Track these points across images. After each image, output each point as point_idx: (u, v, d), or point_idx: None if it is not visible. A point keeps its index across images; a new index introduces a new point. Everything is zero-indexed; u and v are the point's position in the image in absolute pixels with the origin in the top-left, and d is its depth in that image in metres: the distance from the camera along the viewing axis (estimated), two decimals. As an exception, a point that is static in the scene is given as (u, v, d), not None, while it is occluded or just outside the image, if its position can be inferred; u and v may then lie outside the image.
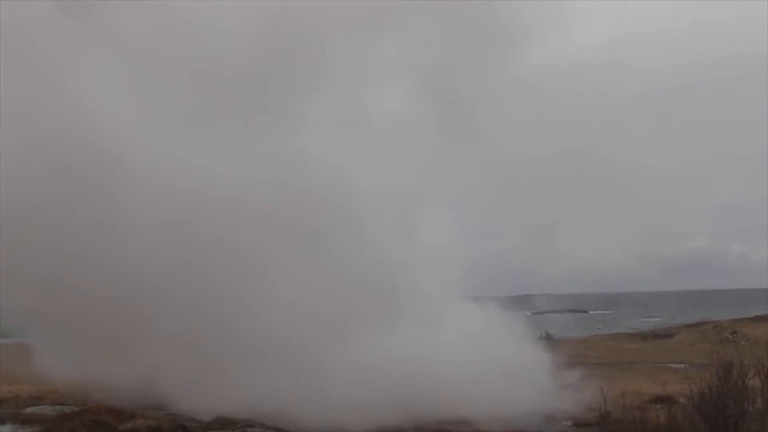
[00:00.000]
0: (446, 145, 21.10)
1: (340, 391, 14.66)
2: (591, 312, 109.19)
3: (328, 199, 16.65)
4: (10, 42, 15.14)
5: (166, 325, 15.41)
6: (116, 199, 15.36)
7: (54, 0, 16.09)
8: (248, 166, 16.22)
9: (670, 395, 15.93)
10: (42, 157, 15.10)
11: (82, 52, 16.22)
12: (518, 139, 24.78)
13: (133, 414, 14.58)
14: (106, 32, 16.38)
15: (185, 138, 16.10)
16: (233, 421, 14.70)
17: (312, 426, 14.20)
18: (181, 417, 15.31)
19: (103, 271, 15.08)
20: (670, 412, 12.83)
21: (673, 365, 24.92)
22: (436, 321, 17.74)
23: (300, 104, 17.52)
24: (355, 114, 18.55)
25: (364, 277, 16.74)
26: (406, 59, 19.60)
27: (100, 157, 15.35)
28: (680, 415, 12.52)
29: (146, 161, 15.63)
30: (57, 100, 15.58)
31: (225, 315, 15.51)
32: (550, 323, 73.61)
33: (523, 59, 21.72)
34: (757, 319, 38.47)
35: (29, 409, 15.81)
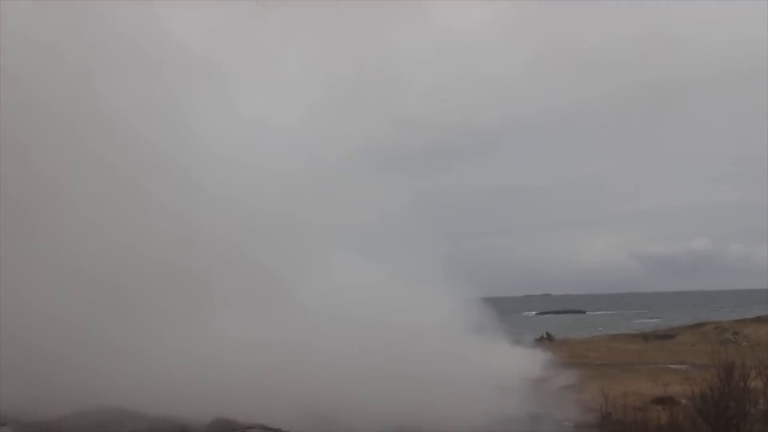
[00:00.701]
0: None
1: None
2: (592, 313, 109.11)
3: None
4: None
5: None
6: None
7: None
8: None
9: (672, 396, 15.91)
10: None
11: None
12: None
13: (132, 416, 14.53)
14: None
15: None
16: (233, 424, 14.62)
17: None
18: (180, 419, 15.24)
19: None
20: (672, 413, 12.82)
21: (674, 366, 24.86)
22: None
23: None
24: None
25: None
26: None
27: None
28: (681, 416, 12.52)
29: None
30: None
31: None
32: (551, 324, 73.70)
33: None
34: (759, 319, 38.38)
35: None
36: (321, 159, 19.55)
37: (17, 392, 13.18)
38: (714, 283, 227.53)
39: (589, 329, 59.31)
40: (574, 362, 27.81)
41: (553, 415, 15.72)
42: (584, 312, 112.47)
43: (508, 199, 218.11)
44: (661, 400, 15.85)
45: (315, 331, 15.93)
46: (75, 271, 15.05)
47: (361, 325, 16.25)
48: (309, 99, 22.03)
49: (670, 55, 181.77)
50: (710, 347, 22.69)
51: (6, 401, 12.97)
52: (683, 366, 24.10)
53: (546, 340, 40.18)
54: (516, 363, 23.03)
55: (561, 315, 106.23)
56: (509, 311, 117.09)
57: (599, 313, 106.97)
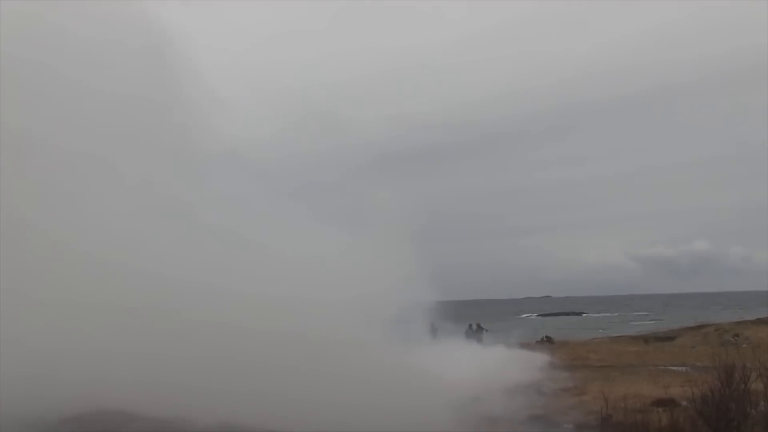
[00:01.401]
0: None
1: None
2: (592, 315, 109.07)
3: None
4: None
5: None
6: None
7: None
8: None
9: (672, 398, 15.88)
10: None
11: None
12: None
13: (135, 417, 14.53)
14: None
15: None
16: (238, 427, 14.59)
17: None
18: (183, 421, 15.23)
19: None
20: (672, 416, 12.80)
21: (674, 368, 24.83)
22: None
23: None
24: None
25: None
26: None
27: None
28: (682, 418, 12.50)
29: None
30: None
31: None
32: (551, 326, 73.69)
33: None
34: (759, 321, 38.34)
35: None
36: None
37: (17, 394, 13.18)
38: (714, 284, 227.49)
39: (589, 331, 59.30)
40: (574, 364, 27.83)
41: (553, 418, 15.72)
42: (585, 314, 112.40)
43: (509, 200, 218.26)
44: (661, 402, 15.81)
45: None
46: (75, 272, 15.08)
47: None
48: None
49: (671, 56, 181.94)
50: (711, 349, 22.68)
51: (6, 403, 12.96)
52: (684, 368, 24.06)
53: (546, 342, 40.21)
54: (511, 365, 23.11)
55: (561, 317, 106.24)
56: (509, 313, 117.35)
57: (599, 315, 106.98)
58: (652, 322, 73.31)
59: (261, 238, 17.23)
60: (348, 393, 14.81)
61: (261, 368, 14.85)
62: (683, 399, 14.77)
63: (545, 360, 27.97)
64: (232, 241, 16.72)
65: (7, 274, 14.18)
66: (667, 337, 38.21)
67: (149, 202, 16.25)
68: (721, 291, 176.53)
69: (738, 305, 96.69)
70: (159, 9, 17.38)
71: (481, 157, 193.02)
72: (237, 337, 15.09)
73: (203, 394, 14.32)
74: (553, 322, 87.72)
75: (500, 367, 23.38)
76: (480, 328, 39.12)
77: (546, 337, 44.03)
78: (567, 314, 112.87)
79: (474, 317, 53.54)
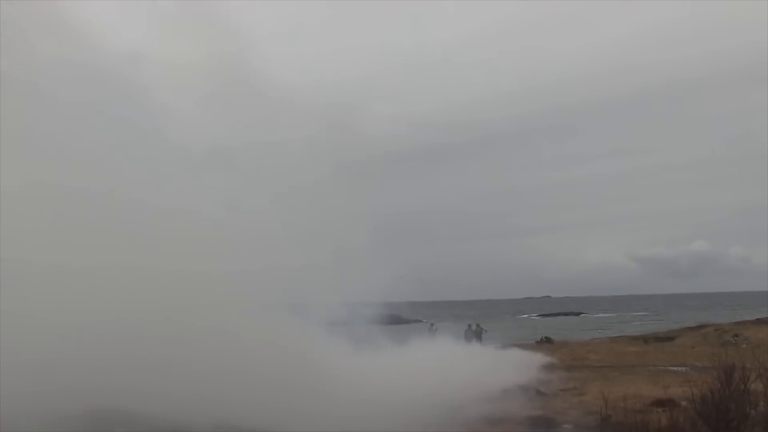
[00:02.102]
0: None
1: None
2: (592, 315, 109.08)
3: None
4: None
5: None
6: None
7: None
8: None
9: (672, 398, 15.87)
10: None
11: None
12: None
13: (132, 418, 14.51)
14: None
15: None
16: (235, 428, 14.56)
17: None
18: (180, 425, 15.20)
19: None
20: (672, 416, 12.77)
21: (674, 368, 24.82)
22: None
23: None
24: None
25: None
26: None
27: None
28: (682, 418, 12.46)
29: None
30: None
31: None
32: (551, 326, 73.71)
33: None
34: (759, 321, 38.37)
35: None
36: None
37: (16, 394, 13.17)
38: (714, 285, 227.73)
39: (589, 331, 59.31)
40: (573, 364, 27.83)
41: (553, 418, 15.71)
42: (584, 314, 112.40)
43: (508, 200, 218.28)
44: (661, 403, 15.79)
45: None
46: (76, 273, 15.08)
47: None
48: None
49: (672, 55, 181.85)
50: (710, 349, 22.65)
51: (5, 403, 12.94)
52: (683, 368, 24.05)
53: (545, 343, 40.23)
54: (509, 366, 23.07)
55: (561, 317, 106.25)
56: (509, 313, 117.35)
57: (599, 315, 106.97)
58: (652, 322, 73.34)
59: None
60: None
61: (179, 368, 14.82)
62: (683, 399, 14.75)
63: (545, 360, 27.97)
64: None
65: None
66: (667, 338, 38.21)
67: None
68: (720, 291, 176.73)
69: (738, 305, 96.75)
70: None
71: (481, 157, 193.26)
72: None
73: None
74: (553, 323, 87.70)
75: (499, 367, 23.39)
76: (479, 329, 39.10)
77: (545, 337, 44.05)
78: (567, 314, 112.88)
79: (473, 317, 53.63)
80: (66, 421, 13.34)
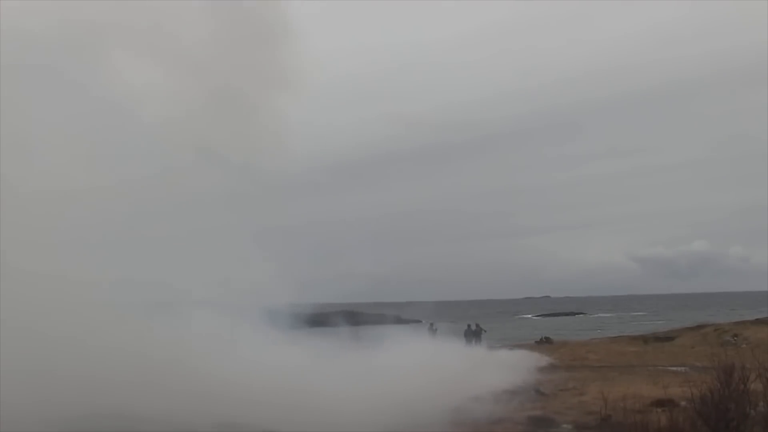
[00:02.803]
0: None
1: None
2: (592, 315, 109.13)
3: None
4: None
5: None
6: None
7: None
8: None
9: (671, 398, 15.86)
10: None
11: None
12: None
13: (133, 419, 14.51)
14: None
15: None
16: (237, 427, 14.55)
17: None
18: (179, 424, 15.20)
19: None
20: (671, 416, 12.76)
21: (674, 368, 24.84)
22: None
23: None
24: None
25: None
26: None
27: None
28: (681, 418, 12.46)
29: None
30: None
31: None
32: (551, 326, 73.77)
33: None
34: (758, 321, 38.35)
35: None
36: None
37: (16, 396, 13.14)
38: (714, 285, 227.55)
39: (588, 331, 59.36)
40: (573, 364, 27.86)
41: (553, 418, 15.71)
42: (584, 314, 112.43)
43: (508, 200, 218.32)
44: (660, 403, 15.78)
45: None
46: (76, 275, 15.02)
47: None
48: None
49: (672, 54, 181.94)
50: (710, 349, 22.66)
51: (6, 404, 12.92)
52: (683, 368, 24.06)
53: (545, 343, 40.25)
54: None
55: (560, 317, 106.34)
56: (509, 313, 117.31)
57: (599, 315, 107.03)
58: (652, 322, 73.36)
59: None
60: None
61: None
62: (682, 399, 14.76)
63: (544, 360, 28.00)
64: None
65: None
66: (667, 338, 38.22)
67: None
68: (720, 291, 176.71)
69: (737, 305, 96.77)
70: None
71: (480, 157, 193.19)
72: None
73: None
74: (553, 323, 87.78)
75: (499, 367, 23.40)
76: (479, 328, 39.11)
77: (545, 337, 44.06)
78: (566, 314, 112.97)
79: (473, 317, 53.61)
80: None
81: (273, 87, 19.70)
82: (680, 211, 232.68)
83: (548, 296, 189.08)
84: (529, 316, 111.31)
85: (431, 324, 39.54)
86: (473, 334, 38.52)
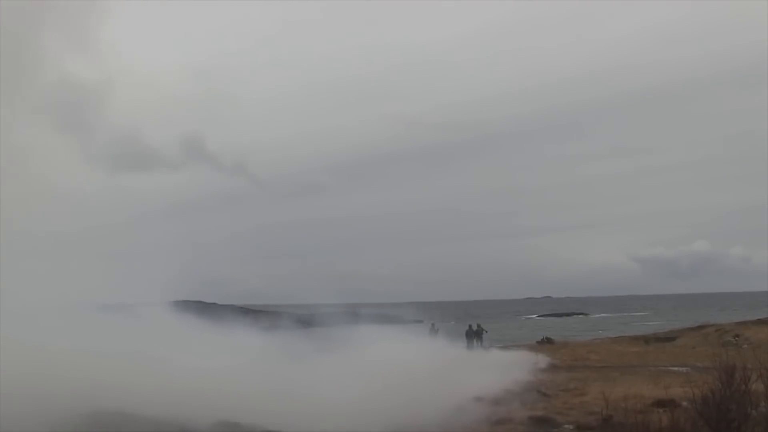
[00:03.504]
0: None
1: None
2: (593, 315, 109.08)
3: None
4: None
5: None
6: None
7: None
8: None
9: (673, 399, 15.85)
10: None
11: None
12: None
13: (132, 418, 14.50)
14: None
15: None
16: (235, 426, 14.55)
17: None
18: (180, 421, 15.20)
19: None
20: (673, 416, 12.76)
21: (675, 368, 24.82)
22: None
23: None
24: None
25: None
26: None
27: None
28: (683, 419, 12.45)
29: None
30: None
31: None
32: (552, 326, 73.73)
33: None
34: (760, 322, 38.35)
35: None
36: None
37: (16, 396, 13.14)
38: (715, 285, 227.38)
39: (589, 332, 59.33)
40: (574, 365, 27.84)
41: (554, 418, 15.71)
42: (585, 314, 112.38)
43: (509, 201, 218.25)
44: (662, 403, 15.77)
45: None
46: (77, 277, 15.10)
47: None
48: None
49: (672, 54, 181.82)
50: (711, 350, 22.65)
51: (6, 404, 12.92)
52: (684, 368, 24.05)
53: (546, 343, 40.22)
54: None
55: (562, 317, 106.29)
56: (510, 313, 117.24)
57: (600, 315, 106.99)
58: (653, 322, 73.30)
59: None
60: None
61: None
62: (684, 400, 14.73)
63: (545, 361, 27.98)
64: None
65: None
66: (668, 338, 38.21)
67: None
68: (721, 291, 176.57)
69: (738, 306, 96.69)
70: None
71: (481, 157, 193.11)
72: None
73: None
74: (554, 323, 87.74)
75: (500, 367, 23.39)
76: (480, 329, 39.11)
77: (546, 337, 44.01)
78: (567, 315, 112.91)
79: (474, 317, 53.64)
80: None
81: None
82: (681, 212, 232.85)
83: (549, 296, 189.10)
84: (530, 316, 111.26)
85: (432, 324, 39.58)
86: (474, 335, 38.53)
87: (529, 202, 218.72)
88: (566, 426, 15.15)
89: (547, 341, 41.38)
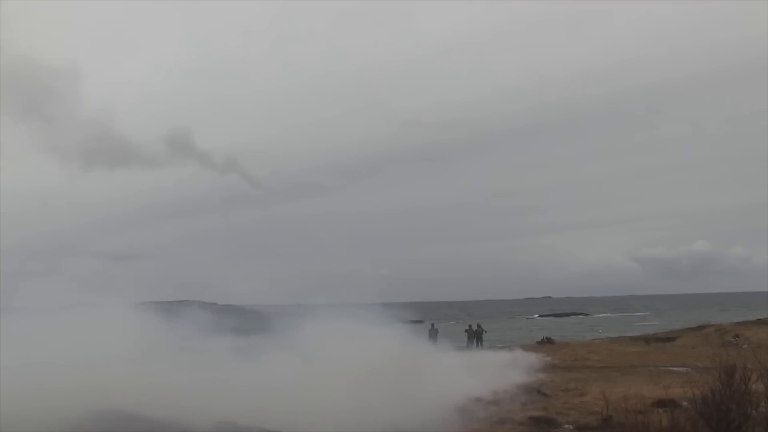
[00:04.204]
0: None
1: None
2: (593, 315, 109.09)
3: None
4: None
5: None
6: None
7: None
8: None
9: (673, 399, 15.84)
10: None
11: None
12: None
13: (133, 419, 14.51)
14: None
15: None
16: (235, 427, 14.56)
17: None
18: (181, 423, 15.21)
19: None
20: (673, 416, 12.76)
21: (675, 369, 24.83)
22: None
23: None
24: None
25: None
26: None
27: None
28: (683, 419, 12.45)
29: None
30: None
31: None
32: (552, 326, 73.75)
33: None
34: (760, 322, 38.35)
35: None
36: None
37: (17, 396, 13.15)
38: (715, 285, 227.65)
39: (589, 332, 59.34)
40: (574, 365, 27.85)
41: (554, 418, 15.71)
42: (585, 314, 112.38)
43: (509, 201, 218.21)
44: (662, 403, 15.76)
45: None
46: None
47: None
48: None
49: (672, 54, 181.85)
50: (711, 350, 22.66)
51: (6, 404, 12.93)
52: (684, 369, 24.07)
53: (546, 343, 40.25)
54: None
55: (562, 317, 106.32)
56: (510, 313, 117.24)
57: (600, 315, 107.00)
58: (653, 322, 73.31)
59: None
60: None
61: None
62: (684, 400, 14.73)
63: (546, 361, 27.99)
64: None
65: None
66: (668, 338, 38.22)
67: None
68: (721, 291, 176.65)
69: (739, 306, 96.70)
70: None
71: (481, 156, 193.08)
72: None
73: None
74: (554, 323, 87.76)
75: (501, 368, 23.39)
76: (480, 329, 39.13)
77: (546, 338, 44.05)
78: (568, 315, 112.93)
79: (474, 317, 53.68)
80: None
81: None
82: (681, 212, 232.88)
83: (549, 296, 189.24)
84: (530, 316, 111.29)
85: (432, 324, 39.60)
86: (474, 335, 38.55)
87: (529, 201, 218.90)
88: (566, 426, 15.15)
89: (547, 341, 41.41)
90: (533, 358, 27.92)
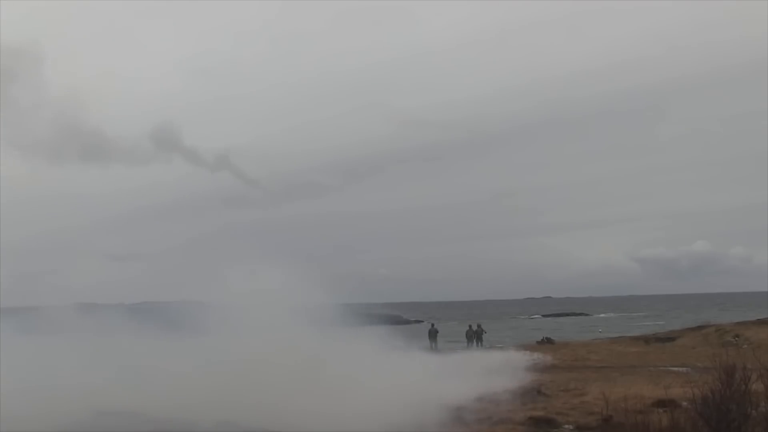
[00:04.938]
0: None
1: None
2: (593, 315, 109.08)
3: None
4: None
5: None
6: None
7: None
8: None
9: (673, 399, 15.86)
10: None
11: None
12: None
13: (136, 418, 14.55)
14: None
15: None
16: (237, 426, 14.57)
17: None
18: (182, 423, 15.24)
19: None
20: (673, 416, 12.79)
21: (675, 369, 24.85)
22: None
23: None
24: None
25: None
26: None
27: None
28: (683, 419, 12.48)
29: None
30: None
31: None
32: (552, 327, 73.73)
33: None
34: (760, 322, 38.36)
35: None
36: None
37: (20, 396, 13.19)
38: (715, 285, 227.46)
39: (589, 332, 59.31)
40: (574, 365, 27.87)
41: (554, 418, 15.73)
42: (585, 314, 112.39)
43: (509, 201, 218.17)
44: (662, 403, 15.79)
45: None
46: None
47: None
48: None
49: (672, 54, 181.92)
50: (711, 350, 22.66)
51: (7, 404, 12.96)
52: (684, 369, 24.08)
53: (546, 343, 40.25)
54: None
55: (562, 317, 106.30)
56: (510, 313, 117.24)
57: (600, 315, 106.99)
58: (653, 322, 73.29)
59: None
60: None
61: None
62: (684, 400, 14.75)
63: (545, 361, 28.00)
64: None
65: None
66: (668, 338, 38.22)
67: None
68: (721, 291, 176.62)
69: (739, 306, 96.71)
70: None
71: (481, 156, 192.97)
72: None
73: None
74: (554, 323, 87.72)
75: (500, 368, 23.41)
76: (480, 329, 39.14)
77: (546, 338, 44.04)
78: (568, 315, 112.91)
79: (474, 317, 53.71)
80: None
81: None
82: (681, 212, 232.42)
83: (549, 296, 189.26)
84: (531, 316, 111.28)
85: (432, 324, 39.62)
86: (474, 335, 38.55)
87: (529, 202, 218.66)
88: (566, 426, 15.17)
89: (547, 341, 41.40)
90: (533, 358, 27.93)
